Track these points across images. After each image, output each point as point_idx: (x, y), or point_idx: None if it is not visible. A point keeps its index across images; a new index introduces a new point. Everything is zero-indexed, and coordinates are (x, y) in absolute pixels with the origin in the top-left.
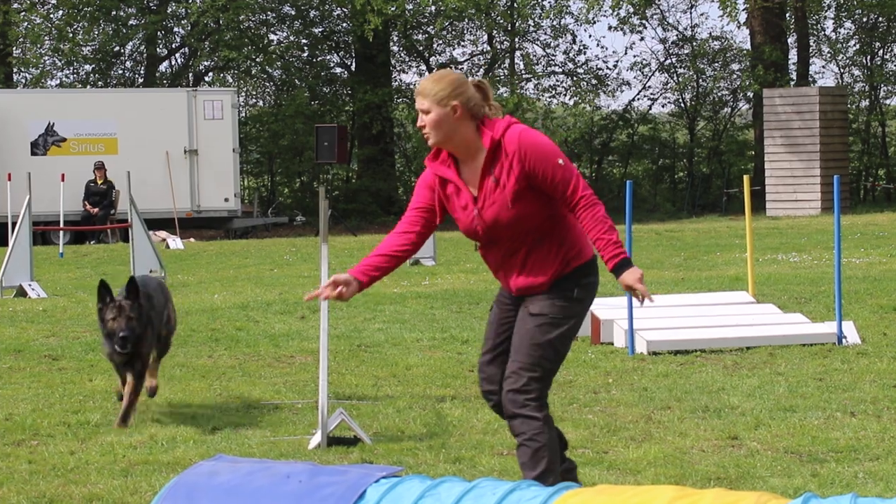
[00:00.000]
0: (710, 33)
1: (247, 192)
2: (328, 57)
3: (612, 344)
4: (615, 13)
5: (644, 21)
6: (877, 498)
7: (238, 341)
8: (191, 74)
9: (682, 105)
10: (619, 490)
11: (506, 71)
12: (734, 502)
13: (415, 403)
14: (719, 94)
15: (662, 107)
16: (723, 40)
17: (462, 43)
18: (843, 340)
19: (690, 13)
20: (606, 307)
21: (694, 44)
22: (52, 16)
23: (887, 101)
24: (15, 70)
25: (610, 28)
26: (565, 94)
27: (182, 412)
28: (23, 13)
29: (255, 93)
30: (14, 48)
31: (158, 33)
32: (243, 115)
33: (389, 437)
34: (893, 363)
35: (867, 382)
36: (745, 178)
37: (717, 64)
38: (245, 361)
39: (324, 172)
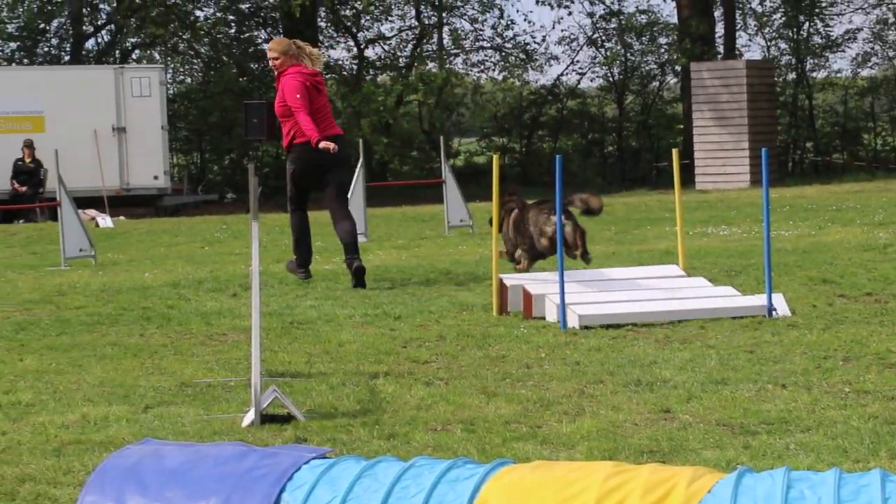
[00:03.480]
0: (637, 7)
1: (176, 169)
2: (256, 33)
3: (544, 318)
4: None
5: None
6: (810, 471)
7: (170, 319)
8: (118, 51)
9: (611, 79)
10: (555, 465)
11: (434, 46)
12: (670, 476)
13: (348, 380)
14: (647, 68)
15: (591, 81)
16: (650, 14)
17: (390, 18)
18: (774, 313)
19: None
20: (538, 282)
21: (621, 18)
22: None
23: (813, 74)
24: None
25: (537, 2)
26: (494, 69)
27: (114, 391)
28: None
29: (182, 70)
30: None
31: (84, 10)
32: (171, 92)
33: (323, 414)
34: (823, 335)
35: (797, 354)
36: (674, 151)
37: (644, 38)
38: (177, 339)
39: (253, 149)
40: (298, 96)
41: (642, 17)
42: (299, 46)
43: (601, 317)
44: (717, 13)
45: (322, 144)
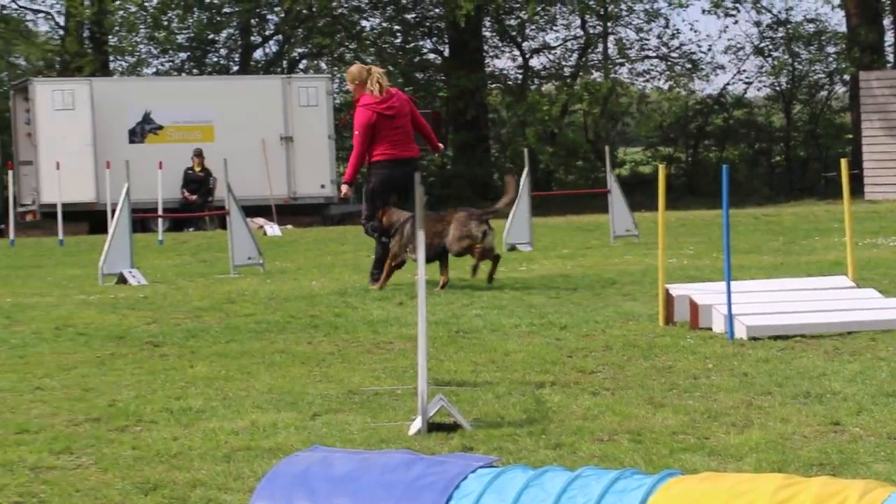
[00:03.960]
0: (805, 16)
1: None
2: (421, 43)
3: (711, 329)
4: None
5: (738, 4)
6: None
7: (337, 327)
8: (285, 61)
9: (778, 88)
10: (723, 477)
11: (599, 55)
12: (840, 490)
13: (514, 389)
14: (815, 77)
15: (758, 90)
16: (818, 23)
17: (555, 27)
18: None
19: None
20: (705, 292)
21: (788, 27)
22: (146, 4)
23: None
24: (111, 58)
25: (703, 12)
26: (659, 79)
27: (283, 398)
28: (118, 1)
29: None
30: (110, 36)
31: (252, 21)
32: (338, 101)
33: (489, 423)
34: None
35: None
36: (843, 161)
37: (812, 47)
38: (344, 347)
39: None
40: (358, 132)
41: (810, 25)
42: (369, 72)
43: (769, 328)
44: (887, 21)
45: (343, 191)
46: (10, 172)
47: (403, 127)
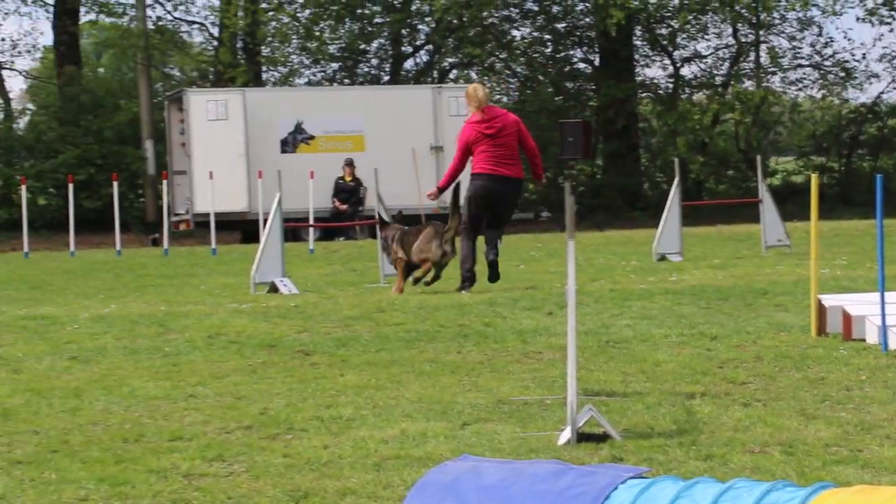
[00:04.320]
0: None
1: None
2: (571, 52)
3: (865, 340)
4: (863, 4)
5: (893, 12)
6: None
7: (486, 337)
8: (435, 71)
9: None
10: (878, 490)
11: (751, 64)
12: None
13: (664, 400)
14: None
15: None
16: None
17: (706, 36)
18: None
19: None
20: (858, 303)
21: None
22: (299, 15)
23: None
24: (264, 69)
25: (857, 20)
26: (812, 87)
27: (432, 407)
28: (271, 13)
29: (498, 89)
30: (263, 47)
31: (403, 31)
32: None
33: (639, 434)
34: None
35: None
36: None
37: None
38: (493, 357)
39: (568, 168)
40: (457, 149)
41: None
42: (474, 91)
43: None
44: None
45: (429, 192)
46: (165, 182)
47: (506, 146)
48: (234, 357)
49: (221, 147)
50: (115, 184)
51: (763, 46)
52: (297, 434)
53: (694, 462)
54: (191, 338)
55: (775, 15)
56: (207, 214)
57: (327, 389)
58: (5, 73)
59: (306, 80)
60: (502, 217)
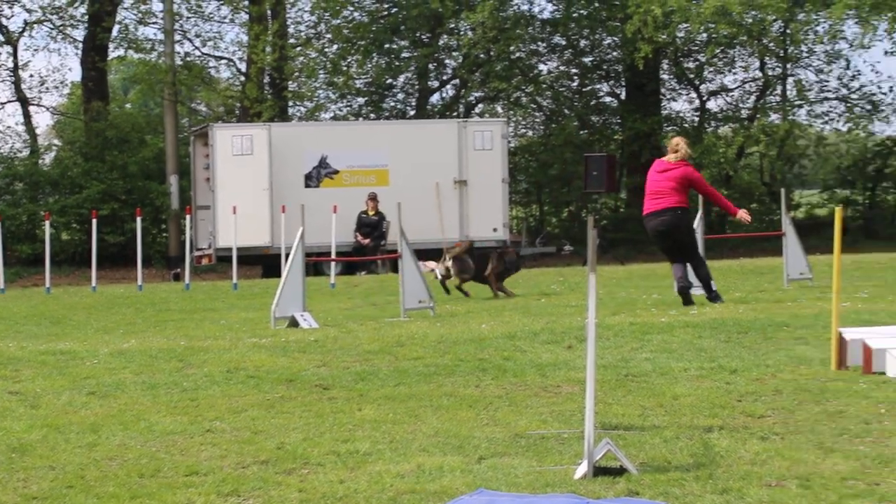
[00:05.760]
0: None
1: (515, 221)
2: (598, 86)
3: (885, 374)
4: (891, 38)
5: None
6: None
7: (505, 371)
8: (461, 105)
9: None
10: None
11: (777, 97)
12: None
13: (682, 433)
14: None
15: None
16: None
17: (733, 70)
18: None
19: None
20: (878, 336)
21: None
22: (326, 50)
23: None
24: (290, 104)
25: (886, 53)
26: (838, 120)
27: (449, 441)
28: (298, 48)
29: (524, 122)
30: (290, 82)
31: (430, 65)
32: (512, 145)
33: (656, 468)
34: None
35: None
36: None
37: None
38: (512, 391)
39: (592, 201)
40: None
41: None
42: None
43: None
44: None
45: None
46: (188, 217)
47: (662, 184)
48: (253, 392)
49: (246, 182)
50: (139, 219)
51: (790, 79)
52: (314, 469)
53: (710, 496)
54: (209, 372)
55: (803, 48)
56: (230, 249)
57: (344, 424)
58: (32, 109)
59: (332, 114)
60: (682, 244)
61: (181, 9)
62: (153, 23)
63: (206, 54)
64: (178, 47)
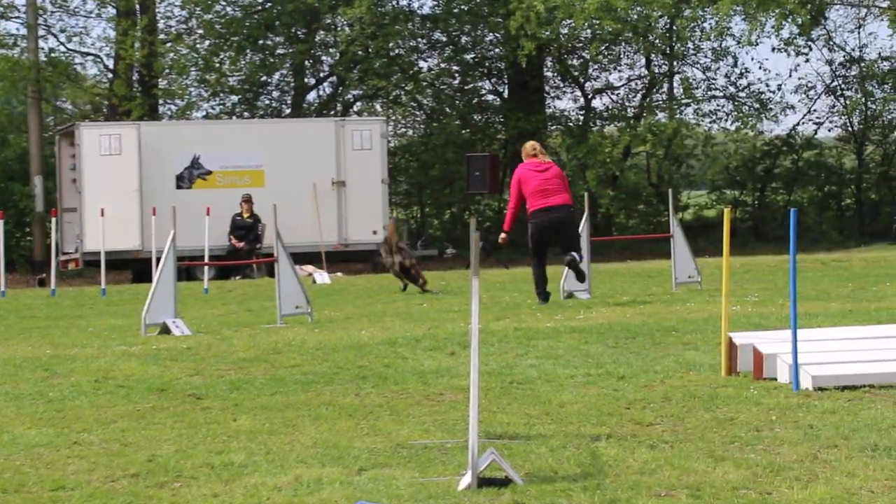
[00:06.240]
0: (880, 53)
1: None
2: (480, 84)
3: (776, 379)
4: (778, 35)
5: (809, 42)
6: None
7: (386, 378)
8: (339, 104)
9: (850, 129)
10: None
11: (664, 95)
12: None
13: (568, 442)
14: (889, 116)
15: (829, 131)
16: (893, 61)
17: (619, 67)
18: None
19: (858, 33)
20: (769, 340)
21: (862, 65)
22: (198, 46)
23: None
24: (160, 102)
25: (773, 50)
26: (726, 119)
27: (328, 452)
28: (169, 44)
29: (404, 122)
30: (160, 80)
31: (306, 62)
32: (392, 144)
33: (542, 478)
34: None
35: None
36: None
37: (886, 86)
38: (393, 399)
39: (475, 203)
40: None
41: (885, 63)
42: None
43: (836, 378)
44: None
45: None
46: (54, 220)
47: (548, 181)
48: (122, 402)
49: (114, 183)
50: (1, 222)
51: (677, 77)
52: (186, 482)
53: None
54: (77, 382)
55: (690, 45)
56: (98, 253)
57: (219, 435)
58: None
59: (204, 113)
60: (570, 238)
61: (45, 3)
62: (16, 17)
63: (71, 50)
64: (42, 43)
